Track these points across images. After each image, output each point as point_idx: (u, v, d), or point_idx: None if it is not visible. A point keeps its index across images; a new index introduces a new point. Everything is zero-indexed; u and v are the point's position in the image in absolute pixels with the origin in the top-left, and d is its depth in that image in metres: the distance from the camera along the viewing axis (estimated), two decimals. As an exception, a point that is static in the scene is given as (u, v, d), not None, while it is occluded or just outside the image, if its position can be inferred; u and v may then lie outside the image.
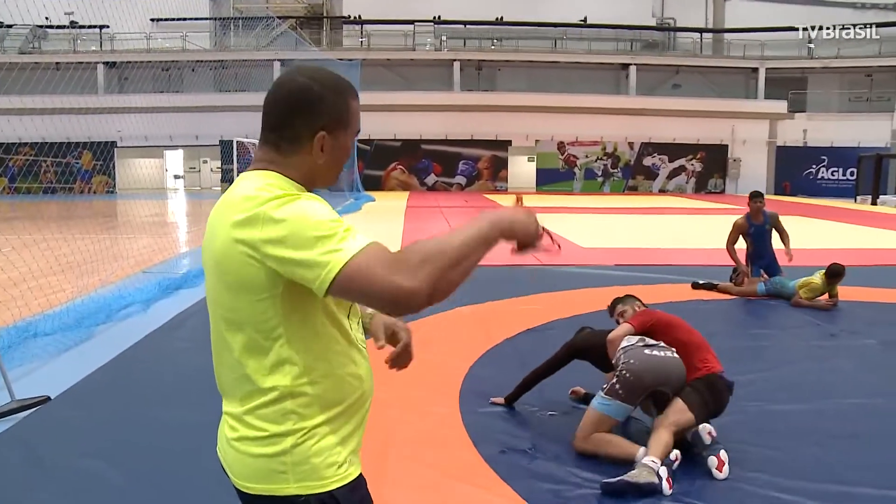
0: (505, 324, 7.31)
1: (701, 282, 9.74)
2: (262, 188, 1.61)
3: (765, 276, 9.44)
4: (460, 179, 34.76)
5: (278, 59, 35.87)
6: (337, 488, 1.70)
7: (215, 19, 38.86)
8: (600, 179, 36.15)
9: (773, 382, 5.57)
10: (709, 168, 36.17)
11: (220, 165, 34.78)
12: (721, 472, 3.94)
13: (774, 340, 7.06)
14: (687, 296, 9.22)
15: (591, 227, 18.69)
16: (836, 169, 35.53)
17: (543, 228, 1.66)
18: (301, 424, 1.67)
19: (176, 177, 38.25)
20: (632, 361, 4.21)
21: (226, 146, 28.77)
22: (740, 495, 3.77)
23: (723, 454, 3.99)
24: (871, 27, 37.06)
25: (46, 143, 32.06)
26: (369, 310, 2.03)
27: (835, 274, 8.59)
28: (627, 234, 16.99)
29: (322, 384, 1.68)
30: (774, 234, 9.68)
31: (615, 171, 36.21)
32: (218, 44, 38.47)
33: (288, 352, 1.64)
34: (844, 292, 8.96)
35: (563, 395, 5.14)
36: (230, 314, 1.67)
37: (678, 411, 4.13)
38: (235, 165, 23.74)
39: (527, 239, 1.63)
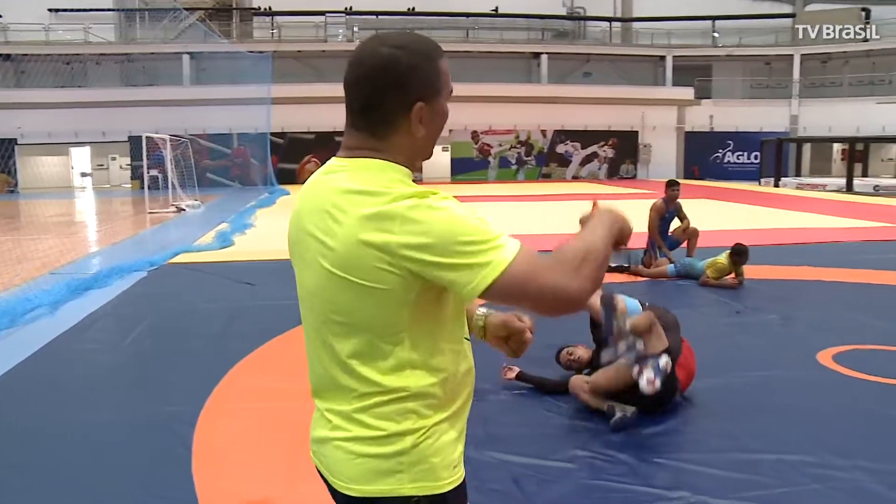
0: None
1: (613, 264, 9.98)
2: (384, 183, 1.50)
3: (670, 255, 9.86)
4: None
5: (187, 52, 35.10)
6: (449, 491, 1.63)
7: (119, 10, 37.70)
8: (515, 167, 36.53)
9: (682, 360, 5.76)
10: (620, 154, 36.95)
11: (129, 162, 33.84)
12: (650, 387, 4.30)
13: (684, 320, 7.18)
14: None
15: (505, 215, 18.88)
16: (741, 153, 36.76)
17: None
18: (421, 423, 1.59)
19: (83, 174, 37.00)
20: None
21: (135, 142, 27.96)
22: (654, 469, 3.90)
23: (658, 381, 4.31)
24: (769, 18, 38.58)
25: (-62, 140, 30.72)
26: (481, 311, 1.91)
27: (738, 253, 8.93)
28: (542, 221, 17.21)
29: (444, 384, 1.61)
30: None
31: (529, 158, 36.62)
32: (123, 36, 37.35)
33: (411, 354, 1.55)
34: (749, 271, 9.31)
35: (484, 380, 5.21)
36: (345, 317, 1.56)
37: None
38: (145, 162, 23.12)
39: (625, 240, 1.64)
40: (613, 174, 36.47)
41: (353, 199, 1.50)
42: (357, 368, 1.57)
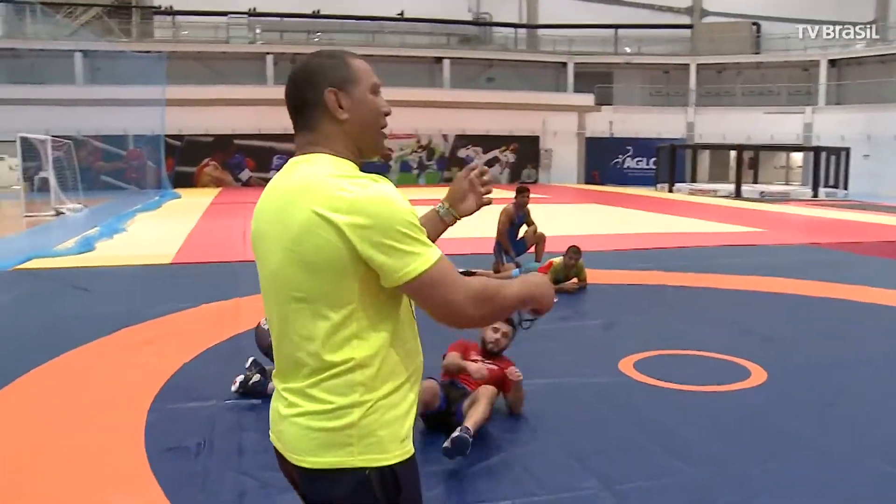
0: (242, 319, 7.20)
1: (460, 270, 10.02)
2: (335, 174, 1.70)
3: (517, 260, 9.99)
4: (275, 174, 33.89)
5: (80, 50, 34.02)
6: (397, 463, 1.73)
7: (7, 2, 36.25)
8: (416, 172, 36.52)
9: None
10: (522, 159, 37.28)
11: (18, 163, 32.49)
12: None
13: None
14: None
15: None
16: (640, 158, 37.47)
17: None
18: (367, 396, 1.69)
19: (-30, 176, 35.47)
20: None
21: (25, 143, 26.85)
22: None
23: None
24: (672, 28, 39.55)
25: None
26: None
27: (570, 253, 9.04)
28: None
29: (389, 357, 1.73)
30: None
31: (430, 163, 36.67)
32: (11, 30, 35.94)
33: (359, 327, 1.69)
34: (597, 275, 9.52)
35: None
36: (302, 293, 1.70)
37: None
38: (19, 162, 22.24)
39: (542, 310, 1.88)
40: (515, 178, 36.65)
41: (309, 184, 1.70)
42: (313, 341, 1.70)
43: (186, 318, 7.37)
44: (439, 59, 37.78)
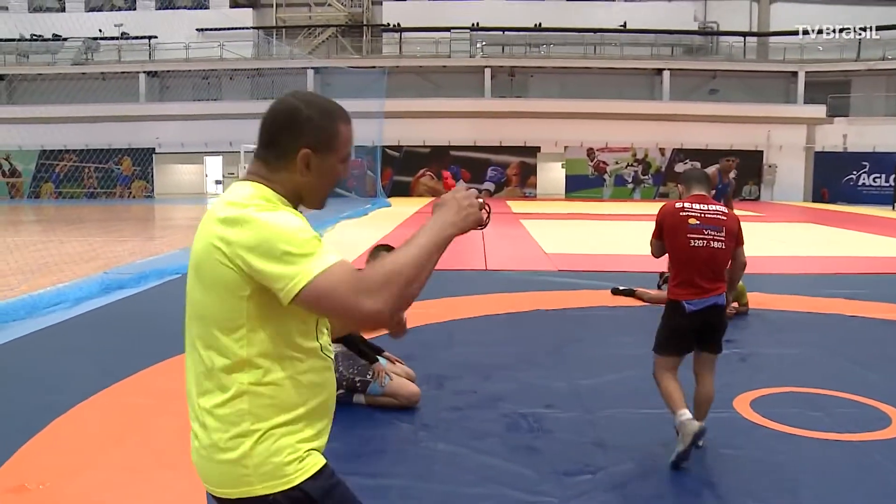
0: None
1: (621, 287, 9.71)
2: (247, 196, 1.72)
3: None
4: (489, 185, 34.73)
5: (311, 67, 36.54)
6: (303, 482, 1.74)
7: (257, 28, 39.74)
8: (630, 186, 35.72)
9: (602, 389, 5.61)
10: (743, 174, 35.28)
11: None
12: None
13: (628, 348, 6.86)
14: (598, 301, 9.22)
15: (620, 234, 18.33)
16: (878, 175, 34.34)
17: (484, 204, 1.79)
18: (258, 426, 1.71)
19: (217, 182, 39.22)
20: None
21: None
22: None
23: None
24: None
25: (89, 149, 33.53)
26: None
27: None
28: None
29: (282, 387, 1.73)
30: None
31: (646, 177, 35.73)
32: (260, 53, 39.34)
33: (250, 352, 1.70)
34: (769, 300, 8.96)
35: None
36: (200, 311, 1.74)
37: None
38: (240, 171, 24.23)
39: (474, 226, 1.77)
40: (735, 195, 34.77)
41: (219, 207, 1.73)
42: (207, 362, 1.73)
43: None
44: (660, 71, 36.77)
